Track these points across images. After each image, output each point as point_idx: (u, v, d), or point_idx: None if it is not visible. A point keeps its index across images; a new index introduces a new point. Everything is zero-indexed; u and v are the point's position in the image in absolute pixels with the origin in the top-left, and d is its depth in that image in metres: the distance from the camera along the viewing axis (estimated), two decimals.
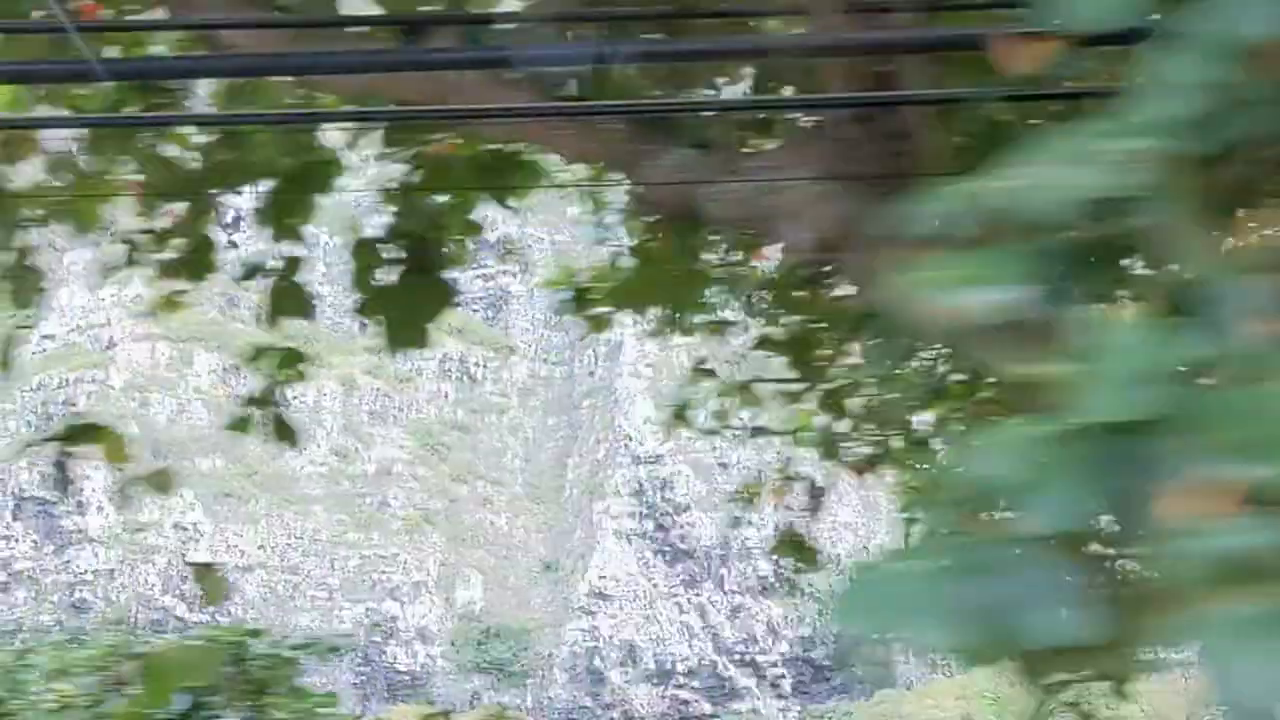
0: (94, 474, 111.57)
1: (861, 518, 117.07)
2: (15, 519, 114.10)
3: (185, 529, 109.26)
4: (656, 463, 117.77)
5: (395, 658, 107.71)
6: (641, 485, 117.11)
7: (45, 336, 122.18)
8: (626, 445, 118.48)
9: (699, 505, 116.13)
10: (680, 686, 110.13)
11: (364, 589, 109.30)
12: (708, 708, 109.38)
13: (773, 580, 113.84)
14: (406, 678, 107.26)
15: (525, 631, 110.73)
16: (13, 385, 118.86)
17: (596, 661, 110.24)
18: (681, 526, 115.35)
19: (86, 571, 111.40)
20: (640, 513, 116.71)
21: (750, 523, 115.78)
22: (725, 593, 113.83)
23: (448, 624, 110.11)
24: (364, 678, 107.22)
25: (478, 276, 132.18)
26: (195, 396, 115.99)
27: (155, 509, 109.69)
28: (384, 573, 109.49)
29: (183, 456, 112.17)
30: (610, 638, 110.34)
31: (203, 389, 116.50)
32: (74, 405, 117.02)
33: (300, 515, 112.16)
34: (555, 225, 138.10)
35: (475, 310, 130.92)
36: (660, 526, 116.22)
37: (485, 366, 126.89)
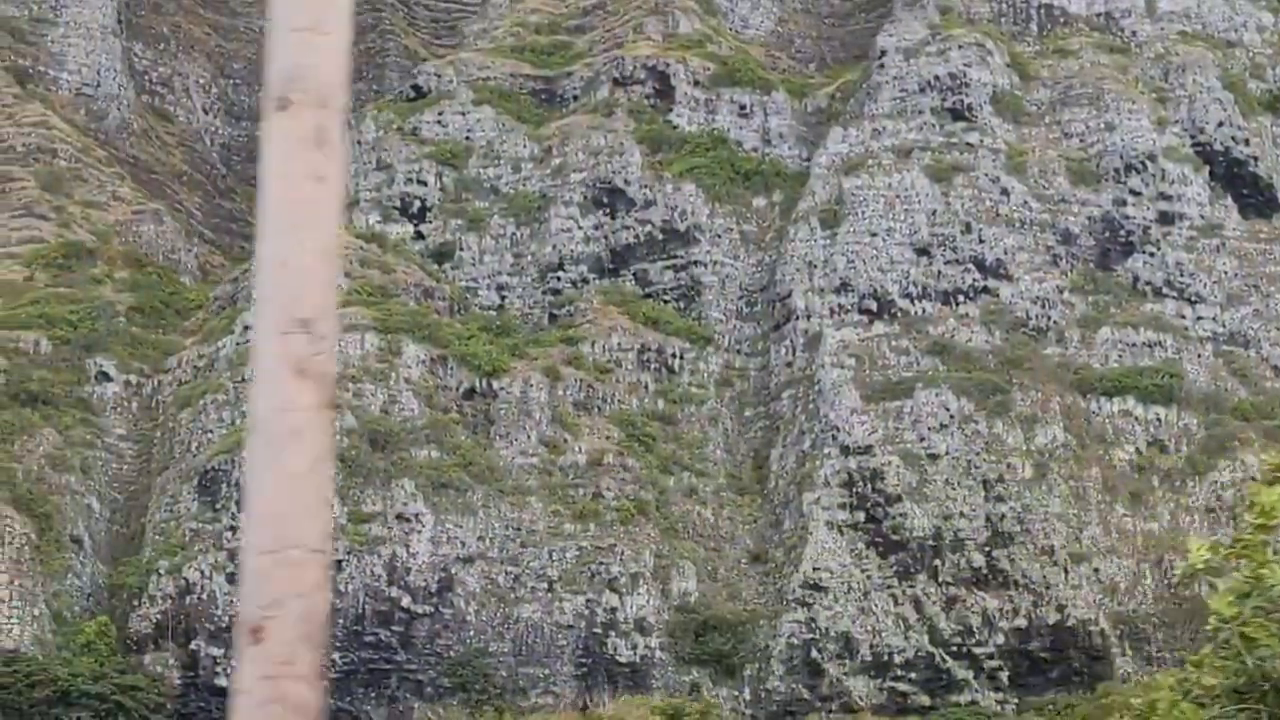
0: None
1: (1073, 509, 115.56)
2: (242, 509, 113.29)
3: (408, 520, 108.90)
4: (866, 453, 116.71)
5: (616, 649, 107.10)
6: (851, 476, 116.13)
7: (248, 327, 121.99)
8: (834, 436, 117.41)
9: (910, 496, 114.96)
10: (898, 679, 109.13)
11: (583, 580, 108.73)
12: (925, 700, 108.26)
13: (986, 572, 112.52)
14: (627, 669, 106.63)
15: (740, 623, 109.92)
16: (222, 376, 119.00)
17: (814, 654, 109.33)
18: (893, 518, 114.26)
19: None
20: (850, 504, 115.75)
21: (963, 514, 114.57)
22: (939, 584, 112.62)
23: (665, 615, 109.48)
24: (585, 669, 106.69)
25: (668, 267, 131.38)
26: (406, 387, 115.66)
27: (378, 500, 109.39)
28: (602, 564, 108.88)
29: (397, 447, 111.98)
30: (826, 630, 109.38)
31: (412, 379, 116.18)
32: None
33: (516, 506, 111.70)
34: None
35: (667, 301, 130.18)
36: (871, 518, 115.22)
37: (682, 358, 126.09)
